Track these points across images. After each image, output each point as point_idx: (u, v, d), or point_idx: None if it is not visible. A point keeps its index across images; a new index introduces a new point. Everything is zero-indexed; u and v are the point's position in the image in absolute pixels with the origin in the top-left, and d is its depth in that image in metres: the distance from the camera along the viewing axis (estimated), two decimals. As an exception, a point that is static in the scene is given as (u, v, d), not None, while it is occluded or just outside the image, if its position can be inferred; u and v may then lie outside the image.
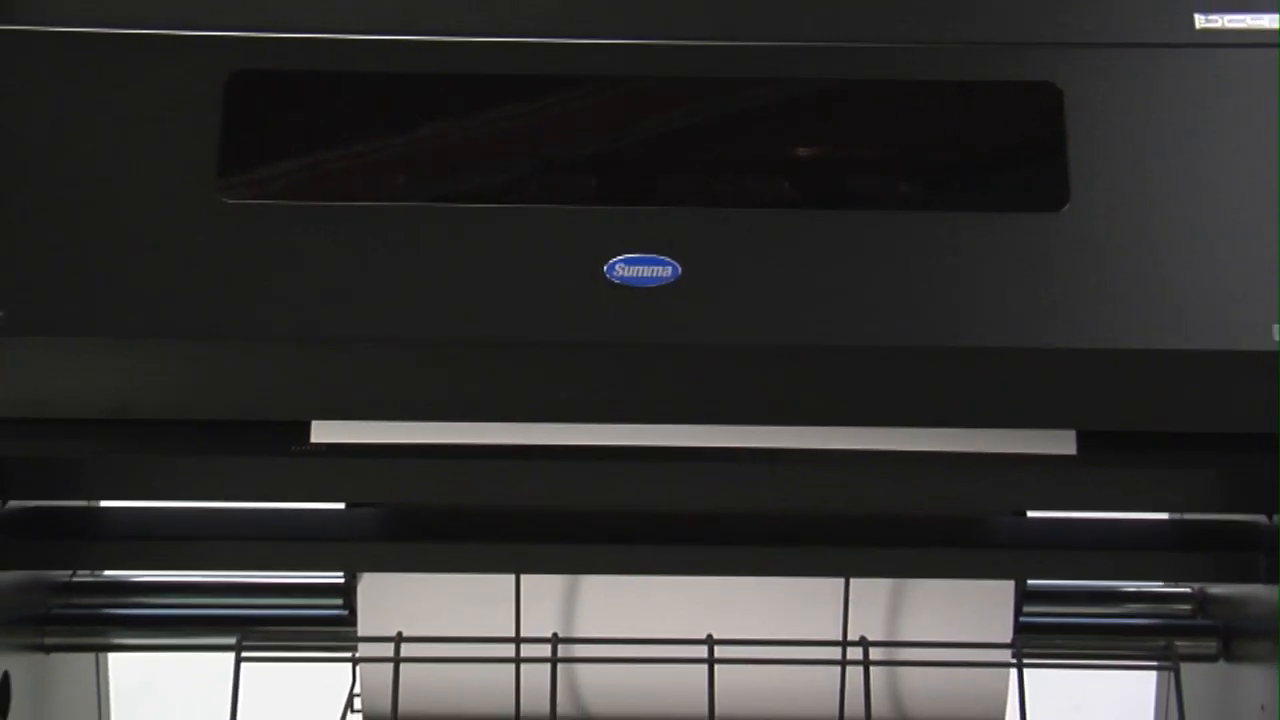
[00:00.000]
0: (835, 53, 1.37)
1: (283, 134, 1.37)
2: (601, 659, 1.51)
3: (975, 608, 1.53)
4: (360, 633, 1.54)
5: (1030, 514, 1.53)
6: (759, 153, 1.39)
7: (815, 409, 1.32)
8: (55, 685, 1.59)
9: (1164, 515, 1.61)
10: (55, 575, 1.59)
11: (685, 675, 1.47)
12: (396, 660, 1.44)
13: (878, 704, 1.51)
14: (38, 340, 1.28)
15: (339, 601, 1.58)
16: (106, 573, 1.63)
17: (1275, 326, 1.28)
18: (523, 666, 1.52)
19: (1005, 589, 1.53)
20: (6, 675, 1.45)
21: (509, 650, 1.50)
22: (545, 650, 1.46)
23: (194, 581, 1.63)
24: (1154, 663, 1.66)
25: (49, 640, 1.56)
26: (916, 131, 1.39)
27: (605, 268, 1.30)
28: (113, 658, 1.74)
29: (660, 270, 1.31)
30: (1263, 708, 1.46)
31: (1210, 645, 1.58)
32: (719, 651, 1.44)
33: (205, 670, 1.67)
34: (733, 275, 1.31)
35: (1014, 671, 1.46)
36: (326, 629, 1.60)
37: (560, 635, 1.48)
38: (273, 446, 1.35)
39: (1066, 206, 1.32)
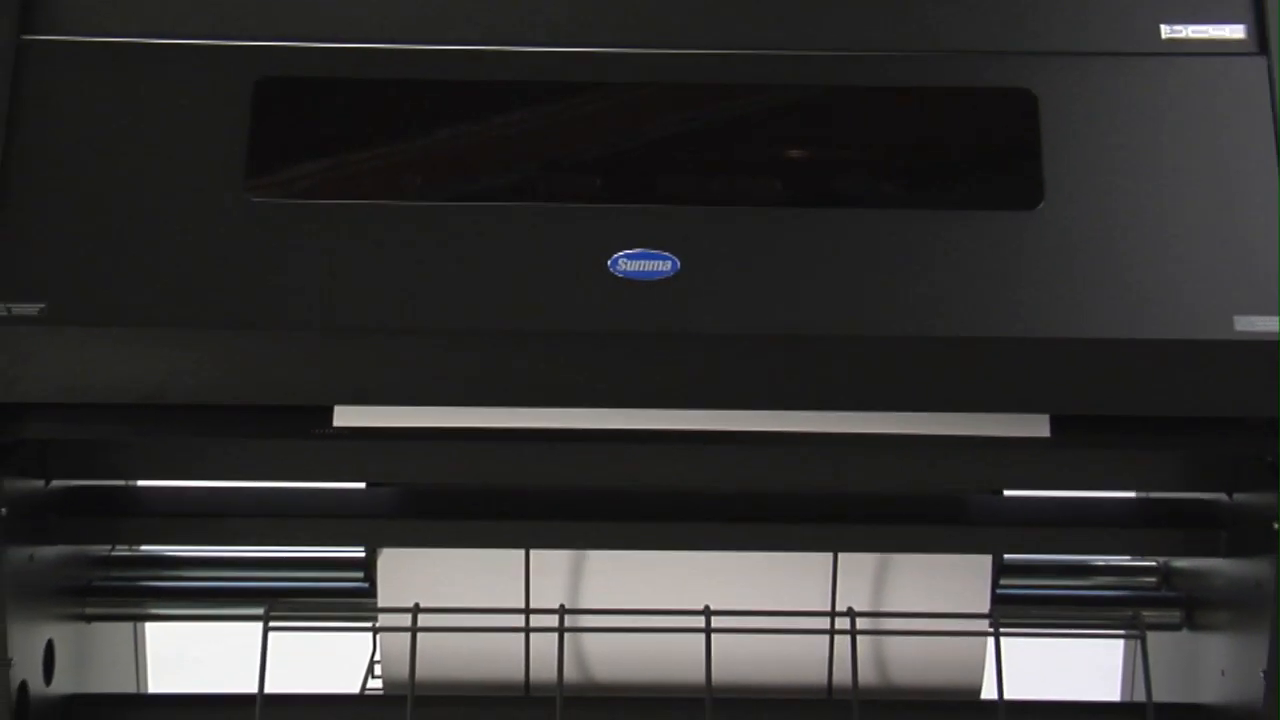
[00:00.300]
0: (824, 61, 1.38)
1: (307, 136, 1.37)
2: (605, 629, 1.51)
3: (955, 580, 1.53)
4: (380, 604, 1.54)
5: (1006, 493, 1.53)
6: (753, 155, 1.40)
7: (805, 394, 1.32)
8: (96, 653, 1.60)
9: (1132, 494, 1.61)
10: (95, 550, 1.59)
11: (684, 644, 1.47)
12: (414, 630, 1.44)
13: (864, 670, 1.51)
14: (78, 330, 1.29)
15: (360, 575, 1.59)
16: (143, 548, 1.64)
17: (1235, 318, 1.29)
18: (532, 636, 1.52)
19: (983, 563, 1.53)
20: (51, 643, 1.45)
21: (519, 620, 1.50)
22: (553, 620, 1.46)
23: (225, 556, 1.63)
24: (1122, 632, 1.67)
25: (90, 611, 1.57)
26: (899, 134, 1.39)
27: (609, 262, 1.31)
28: (149, 627, 1.75)
29: (660, 265, 1.31)
30: (1223, 673, 1.47)
31: (1174, 615, 1.58)
32: (715, 622, 1.44)
33: (235, 639, 1.67)
34: (728, 269, 1.31)
35: (991, 640, 1.46)
36: (348, 600, 1.60)
37: (567, 606, 1.48)
38: (297, 430, 1.35)
39: (1041, 205, 1.33)
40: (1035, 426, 1.35)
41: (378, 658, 1.64)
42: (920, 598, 1.53)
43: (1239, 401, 1.30)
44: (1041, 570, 1.63)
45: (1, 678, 1.35)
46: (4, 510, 1.32)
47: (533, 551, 1.52)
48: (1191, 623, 1.57)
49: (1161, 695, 1.49)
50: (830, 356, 1.30)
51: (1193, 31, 1.38)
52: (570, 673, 1.51)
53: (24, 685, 1.39)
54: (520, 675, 1.55)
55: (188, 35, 1.37)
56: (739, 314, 1.30)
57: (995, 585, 1.55)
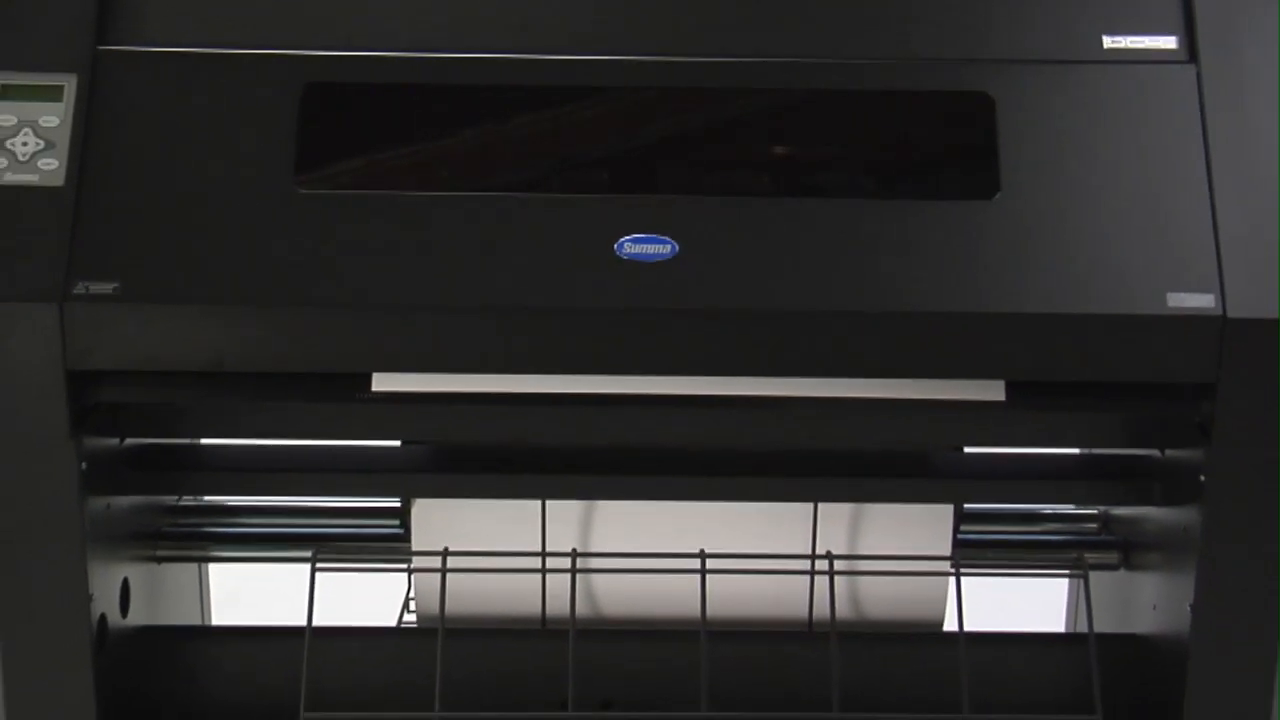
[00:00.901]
0: (806, 67, 1.38)
1: (349, 136, 1.37)
2: (612, 570, 1.51)
3: (921, 527, 1.54)
4: (414, 548, 1.54)
5: (966, 449, 1.53)
6: (743, 151, 1.40)
7: (789, 362, 1.33)
8: (165, 591, 1.61)
9: (1077, 450, 1.61)
10: (164, 500, 1.60)
11: (682, 583, 1.48)
12: (444, 571, 1.45)
13: (840, 606, 1.51)
14: (147, 306, 1.30)
15: (396, 522, 1.59)
16: (206, 498, 1.64)
17: (1168, 295, 1.29)
18: (547, 576, 1.53)
19: (945, 511, 1.54)
20: (126, 581, 1.47)
21: (536, 563, 1.50)
22: (566, 563, 1.47)
23: (277, 505, 1.63)
24: (1067, 571, 1.67)
25: (160, 553, 1.58)
26: (873, 133, 1.40)
27: (615, 246, 1.32)
28: (211, 567, 1.76)
29: (661, 248, 1.31)
30: (1155, 607, 1.48)
31: (1113, 557, 1.59)
32: (709, 564, 1.44)
33: (286, 579, 1.67)
34: (721, 252, 1.32)
35: (952, 579, 1.47)
36: (385, 545, 1.60)
37: (578, 551, 1.48)
38: (341, 394, 1.36)
39: (997, 195, 1.33)
40: (992, 391, 1.35)
41: (412, 595, 1.66)
42: (890, 542, 1.53)
43: (1171, 369, 1.31)
44: (997, 518, 1.64)
45: (84, 611, 1.36)
46: (84, 465, 1.33)
47: (548, 502, 1.53)
48: (1128, 563, 1.58)
49: (1101, 627, 1.51)
50: (811, 329, 1.31)
51: (1131, 42, 1.38)
52: (581, 609, 1.52)
53: (103, 617, 1.40)
54: (537, 611, 1.55)
55: (244, 46, 1.37)
56: (731, 292, 1.31)
57: (956, 531, 1.55)
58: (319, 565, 1.44)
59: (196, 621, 1.72)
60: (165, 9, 1.37)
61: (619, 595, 1.56)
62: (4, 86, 1.33)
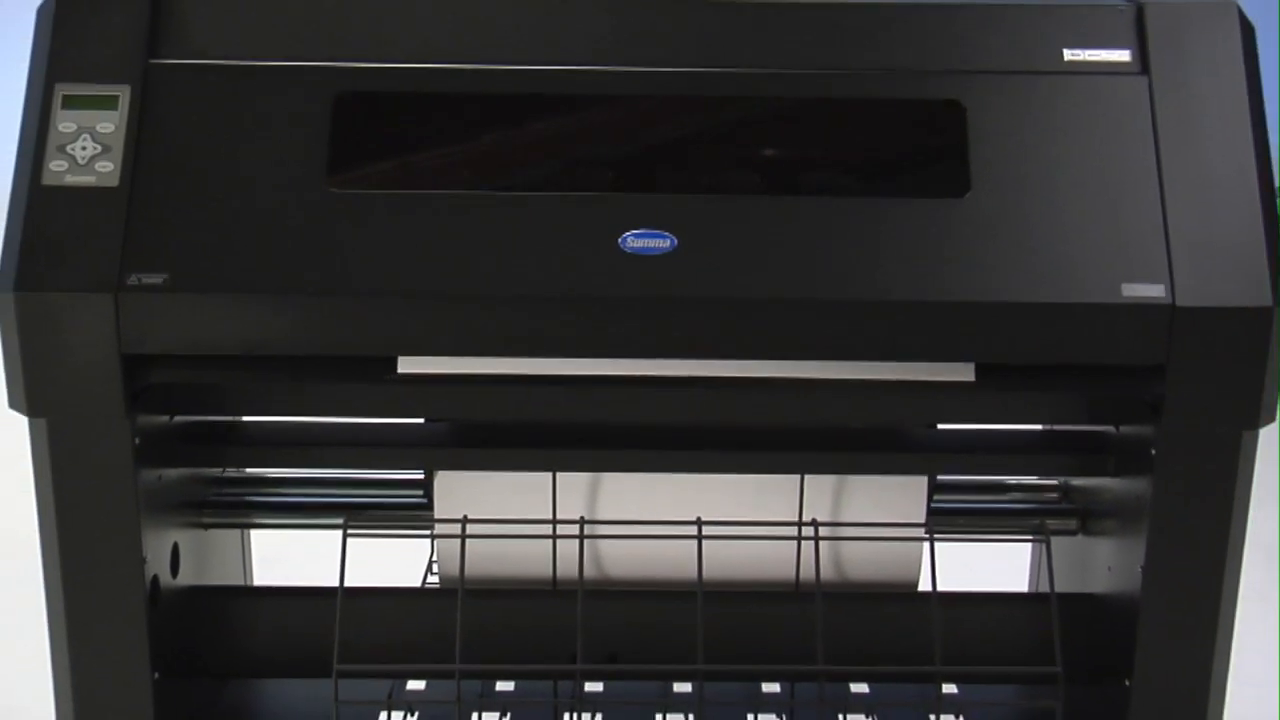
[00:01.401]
0: (795, 78, 1.38)
1: (377, 140, 1.37)
2: (617, 536, 1.51)
3: (898, 496, 1.54)
4: (436, 516, 1.54)
5: (939, 426, 1.53)
6: (737, 153, 1.40)
7: (778, 346, 1.33)
8: (211, 554, 1.61)
9: (1040, 426, 1.61)
10: (210, 471, 1.60)
11: (680, 548, 1.48)
12: (463, 537, 1.45)
13: (824, 569, 1.52)
14: (194, 296, 1.30)
15: (420, 492, 1.59)
16: (247, 470, 1.65)
17: (1123, 285, 1.30)
18: (557, 542, 1.53)
19: (920, 482, 1.54)
20: (176, 545, 1.47)
21: (547, 529, 1.51)
22: (575, 529, 1.47)
23: (312, 476, 1.63)
24: (1030, 537, 1.68)
25: (206, 520, 1.58)
26: (854, 137, 1.40)
27: (619, 240, 1.32)
28: (253, 533, 1.76)
29: (661, 243, 1.32)
30: (1109, 569, 1.49)
31: (1071, 523, 1.59)
32: (705, 530, 1.44)
33: (320, 544, 1.66)
34: (716, 246, 1.32)
35: (926, 544, 1.48)
36: (410, 513, 1.59)
37: (586, 519, 1.48)
38: (369, 376, 1.36)
39: (968, 194, 1.34)
40: (963, 372, 1.35)
41: (434, 559, 1.66)
42: (870, 511, 1.54)
43: (1125, 352, 1.32)
44: (967, 488, 1.63)
45: (138, 572, 1.37)
46: (138, 440, 1.34)
47: (558, 474, 1.53)
48: (1085, 529, 1.58)
49: (1061, 588, 1.51)
50: (798, 316, 1.31)
51: (1089, 55, 1.38)
52: (588, 571, 1.53)
53: (155, 578, 1.41)
54: (549, 573, 1.56)
55: (280, 58, 1.37)
56: (725, 283, 1.31)
57: (930, 500, 1.55)
58: (350, 531, 1.45)
59: (239, 582, 1.72)
60: (210, 26, 1.38)
61: (623, 559, 1.56)
62: (66, 97, 1.33)
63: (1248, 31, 1.37)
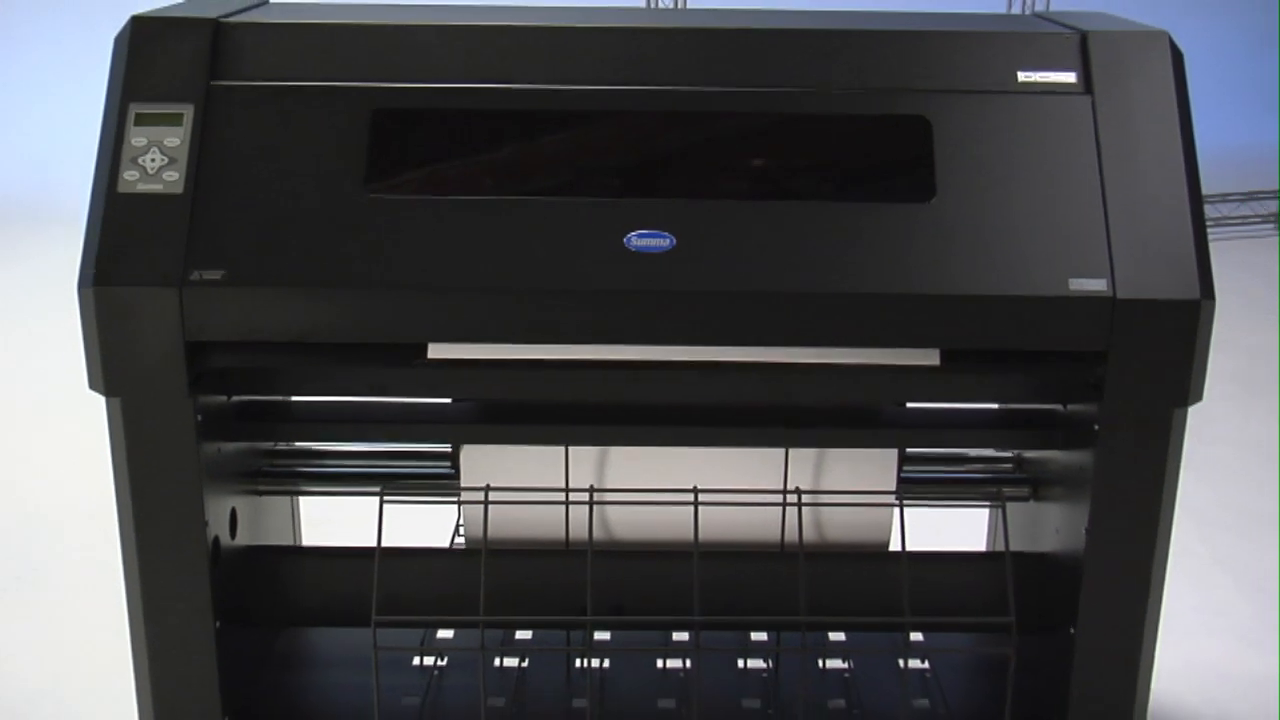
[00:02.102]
0: (780, 96, 1.39)
1: (409, 152, 1.37)
2: (622, 502, 1.51)
3: (871, 467, 1.53)
4: (462, 485, 1.54)
5: (909, 404, 1.52)
6: (729, 163, 1.40)
7: (766, 334, 1.33)
8: (265, 518, 1.61)
9: (996, 405, 1.59)
10: (263, 445, 1.60)
11: (678, 514, 1.47)
12: (486, 503, 1.45)
13: (806, 531, 1.52)
14: (248, 289, 1.31)
15: (448, 464, 1.58)
16: (296, 443, 1.64)
17: (1070, 280, 1.30)
18: (569, 508, 1.53)
19: (891, 455, 1.53)
20: (234, 510, 1.48)
21: (560, 496, 1.50)
22: (584, 497, 1.46)
23: (352, 449, 1.63)
24: (988, 502, 1.68)
25: (260, 487, 1.58)
26: (834, 148, 1.40)
27: (625, 239, 1.32)
28: (301, 499, 1.75)
29: (662, 242, 1.32)
30: (1057, 530, 1.50)
31: (1024, 491, 1.59)
32: (701, 498, 1.44)
33: (360, 509, 1.64)
34: (711, 245, 1.33)
35: (897, 509, 1.46)
36: (439, 482, 1.59)
37: (594, 487, 1.48)
38: (403, 360, 1.35)
39: (934, 199, 1.34)
40: (929, 357, 1.35)
41: (461, 523, 1.66)
42: (847, 480, 1.54)
43: (1071, 339, 1.32)
44: (932, 460, 1.63)
45: (201, 533, 1.38)
46: (200, 417, 1.35)
47: (569, 447, 1.53)
48: (1036, 496, 1.59)
49: (1014, 547, 1.52)
50: (783, 306, 1.32)
51: (1039, 77, 1.39)
52: (597, 533, 1.53)
53: (216, 539, 1.42)
54: (561, 535, 1.56)
55: (324, 79, 1.38)
56: (719, 277, 1.32)
57: (900, 470, 1.54)
58: (386, 498, 1.45)
59: (289, 542, 1.72)
60: (262, 53, 1.38)
61: (627, 523, 1.56)
62: (138, 114, 1.34)
63: (1177, 56, 1.38)
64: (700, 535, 1.43)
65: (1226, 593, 2.04)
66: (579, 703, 1.56)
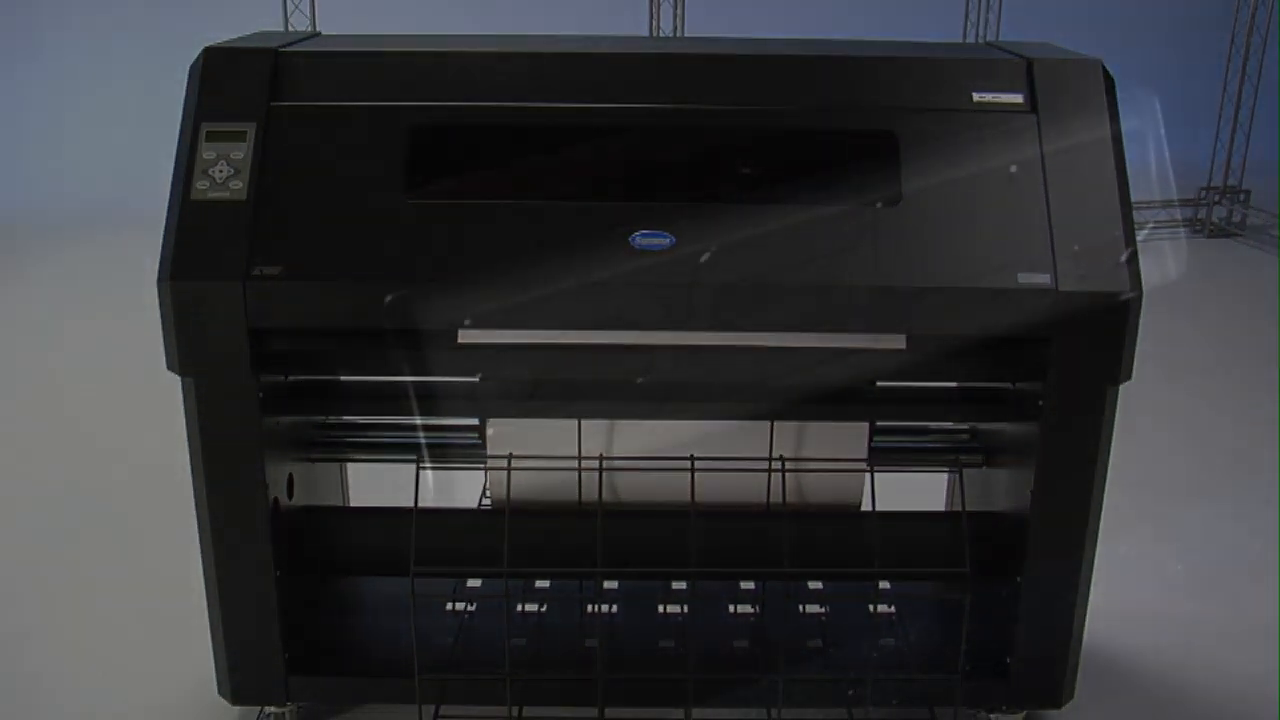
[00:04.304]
0: (766, 113, 1.39)
1: (443, 162, 1.38)
2: (628, 469, 1.51)
3: (846, 438, 1.53)
4: (488, 454, 1.53)
5: (878, 383, 1.50)
6: (722, 171, 1.40)
7: (754, 321, 1.33)
8: (317, 482, 1.62)
9: (954, 384, 1.57)
10: (316, 418, 1.60)
11: (677, 479, 1.47)
12: (509, 470, 1.45)
13: (789, 494, 1.52)
14: (303, 283, 1.31)
15: (475, 435, 1.57)
16: (345, 417, 1.64)
17: (1018, 274, 1.31)
18: (582, 474, 1.52)
19: (863, 427, 1.53)
20: (291, 475, 1.49)
21: (574, 464, 1.50)
22: (595, 464, 1.48)
23: (392, 422, 1.61)
24: (947, 469, 1.67)
25: (313, 455, 1.59)
26: (813, 158, 1.41)
27: (630, 239, 1.33)
28: (349, 465, 1.75)
29: (663, 240, 1.33)
30: (1006, 492, 1.50)
31: (978, 459, 1.60)
32: (697, 465, 1.44)
33: (399, 474, 1.58)
34: (707, 243, 1.33)
35: (868, 475, 1.46)
36: (468, 451, 1.58)
37: (604, 455, 1.49)
38: (437, 345, 1.35)
39: (900, 203, 1.35)
40: (896, 342, 1.35)
41: (487, 487, 1.64)
42: (825, 448, 1.53)
43: (1020, 325, 1.33)
44: (899, 431, 1.63)
45: (263, 495, 1.40)
46: (261, 394, 1.36)
47: (582, 420, 1.52)
48: (989, 463, 1.59)
49: (970, 508, 1.53)
50: (770, 297, 1.32)
51: (992, 97, 1.40)
52: (606, 496, 1.53)
53: (275, 500, 1.43)
54: (574, 498, 1.55)
55: (368, 100, 1.39)
56: (714, 271, 1.33)
57: (871, 441, 1.54)
58: (422, 465, 1.47)
59: (339, 503, 1.73)
60: (316, 78, 1.39)
61: (633, 487, 1.55)
62: (208, 132, 1.35)
63: (1109, 80, 1.40)
64: (696, 498, 1.44)
65: (1152, 545, 2.07)
66: (590, 643, 1.57)
